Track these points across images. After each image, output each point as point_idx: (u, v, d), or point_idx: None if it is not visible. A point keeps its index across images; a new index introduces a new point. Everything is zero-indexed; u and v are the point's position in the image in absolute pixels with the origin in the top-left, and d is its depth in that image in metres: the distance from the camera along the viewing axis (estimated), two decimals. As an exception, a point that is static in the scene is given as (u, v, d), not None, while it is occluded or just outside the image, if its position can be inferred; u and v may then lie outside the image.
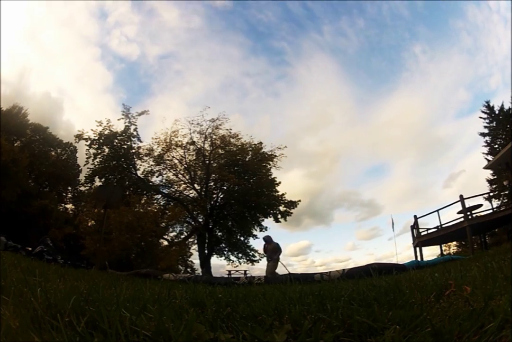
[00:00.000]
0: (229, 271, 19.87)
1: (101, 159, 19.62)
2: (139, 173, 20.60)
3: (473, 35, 39.86)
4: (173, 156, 20.98)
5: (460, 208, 13.07)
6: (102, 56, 45.43)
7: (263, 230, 21.55)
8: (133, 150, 20.03)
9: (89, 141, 19.23)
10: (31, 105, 40.47)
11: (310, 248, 47.21)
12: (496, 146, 25.17)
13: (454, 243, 24.18)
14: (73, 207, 30.45)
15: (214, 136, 21.09)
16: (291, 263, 38.20)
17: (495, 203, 19.52)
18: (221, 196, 21.42)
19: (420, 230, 15.05)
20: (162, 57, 46.71)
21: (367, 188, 49.74)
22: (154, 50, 45.25)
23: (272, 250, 8.67)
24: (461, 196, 13.02)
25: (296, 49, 44.02)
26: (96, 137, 19.22)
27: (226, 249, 21.81)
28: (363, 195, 45.76)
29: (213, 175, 20.61)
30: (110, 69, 47.33)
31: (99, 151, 19.48)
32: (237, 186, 19.61)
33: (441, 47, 41.09)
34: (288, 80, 43.77)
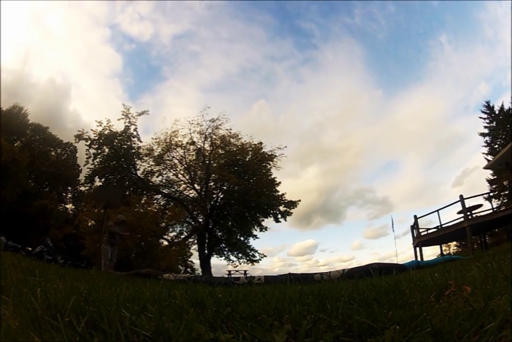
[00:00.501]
0: (229, 271, 19.88)
1: (101, 159, 19.63)
2: (139, 173, 20.61)
3: (493, 27, 38.25)
4: (173, 156, 21.01)
5: (460, 208, 13.07)
6: (111, 37, 41.13)
7: (263, 230, 21.58)
8: (133, 150, 20.03)
9: (89, 141, 19.24)
10: (35, 93, 38.69)
11: (316, 247, 46.29)
12: (496, 146, 25.17)
13: (454, 243, 24.19)
14: (73, 207, 30.48)
15: (214, 136, 21.12)
16: (294, 263, 37.95)
17: (495, 203, 19.55)
18: (221, 196, 21.44)
19: (420, 230, 15.04)
20: (177, 37, 42.60)
21: (383, 184, 47.77)
22: (168, 29, 41.17)
23: None
24: (461, 196, 13.02)
25: (324, 32, 40.55)
26: (96, 137, 19.22)
27: (226, 249, 21.82)
28: (377, 192, 44.28)
29: (213, 175, 20.62)
30: (119, 51, 43.14)
31: (99, 151, 19.48)
32: (237, 186, 19.61)
33: (465, 37, 39.76)
34: (313, 65, 40.79)
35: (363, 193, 42.63)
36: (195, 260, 23.20)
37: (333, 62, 40.39)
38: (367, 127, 43.00)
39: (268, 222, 21.70)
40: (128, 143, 19.78)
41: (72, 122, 39.42)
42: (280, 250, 52.33)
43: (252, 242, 21.79)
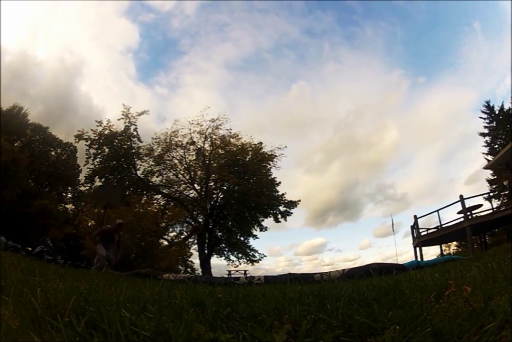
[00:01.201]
0: (229, 271, 19.88)
1: (101, 159, 19.64)
2: (139, 173, 20.62)
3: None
4: (173, 156, 21.01)
5: (460, 208, 13.08)
6: (127, 6, 36.86)
7: (263, 230, 21.58)
8: (133, 150, 20.03)
9: (89, 141, 19.25)
10: (43, 75, 36.95)
11: (325, 246, 44.91)
12: (496, 146, 25.17)
13: (454, 243, 24.17)
14: (73, 207, 30.47)
15: (214, 136, 21.12)
16: (299, 262, 37.47)
17: (495, 203, 19.55)
18: (221, 196, 21.44)
19: (420, 230, 15.05)
20: (203, 5, 37.46)
21: (404, 180, 45.74)
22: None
23: None
24: (461, 196, 13.03)
25: (367, 8, 36.95)
26: (96, 137, 19.22)
27: (226, 249, 21.82)
28: (398, 188, 42.96)
29: (213, 175, 20.62)
30: (135, 22, 38.61)
31: (99, 151, 19.49)
32: (237, 186, 19.61)
33: (495, 26, 38.51)
34: (353, 44, 37.81)
35: (384, 188, 41.09)
36: (195, 260, 23.22)
37: (373, 41, 37.25)
38: (398, 116, 40.82)
39: (268, 222, 21.71)
40: (128, 143, 19.78)
41: (84, 108, 37.21)
42: (289, 249, 51.56)
43: (252, 242, 21.83)
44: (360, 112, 39.51)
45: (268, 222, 21.67)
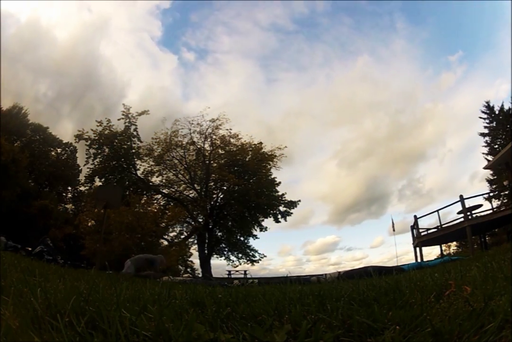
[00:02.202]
0: (229, 271, 19.89)
1: (101, 159, 19.64)
2: (139, 173, 20.63)
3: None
4: (173, 156, 21.00)
5: (460, 208, 13.08)
6: None
7: (263, 230, 21.58)
8: (133, 150, 20.04)
9: (89, 141, 19.25)
10: (60, 37, 35.71)
11: (337, 245, 42.97)
12: (496, 146, 25.17)
13: (454, 243, 24.18)
14: (73, 207, 30.45)
15: (214, 137, 21.13)
16: (306, 262, 36.37)
17: (495, 203, 19.54)
18: (221, 196, 21.45)
19: (420, 230, 15.05)
20: None
21: (432, 174, 42.69)
22: None
23: None
24: (461, 196, 13.03)
25: None
26: (96, 137, 19.23)
27: (226, 249, 21.82)
28: (426, 183, 40.42)
29: (213, 175, 20.62)
30: None
31: (99, 151, 19.49)
32: (237, 186, 19.61)
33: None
34: (416, 19, 34.71)
35: (412, 183, 39.25)
36: (195, 260, 23.22)
37: (439, 18, 34.26)
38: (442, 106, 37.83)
39: (268, 222, 21.67)
40: (128, 143, 19.79)
41: (106, 78, 35.63)
42: (302, 247, 50.56)
43: (252, 242, 21.83)
44: (413, 95, 36.81)
45: (268, 222, 21.67)
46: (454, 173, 43.39)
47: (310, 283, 4.54)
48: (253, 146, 21.20)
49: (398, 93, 39.10)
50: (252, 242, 21.80)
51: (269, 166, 21.00)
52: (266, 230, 21.61)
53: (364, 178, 38.75)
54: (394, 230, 17.03)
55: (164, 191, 21.42)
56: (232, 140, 21.26)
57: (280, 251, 40.93)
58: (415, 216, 15.22)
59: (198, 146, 21.22)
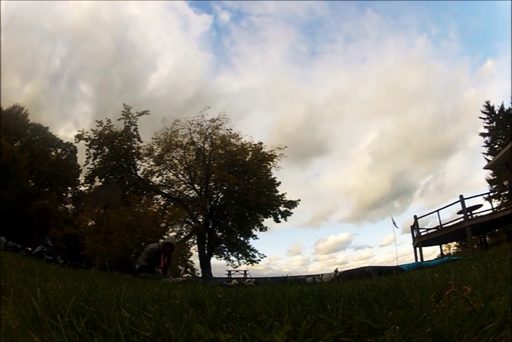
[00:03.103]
0: (229, 271, 19.88)
1: (101, 159, 19.65)
2: (139, 173, 20.64)
3: None
4: (173, 157, 21.02)
5: (460, 208, 13.08)
6: None
7: (263, 230, 21.59)
8: (133, 151, 20.05)
9: (89, 142, 19.26)
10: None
11: (349, 243, 43.20)
12: (496, 146, 25.17)
13: (454, 243, 24.18)
14: (73, 207, 30.45)
15: (214, 137, 21.12)
16: (312, 262, 35.95)
17: (495, 203, 19.54)
18: (221, 196, 21.45)
19: (420, 230, 15.05)
20: None
21: (460, 169, 41.73)
22: None
23: None
24: (461, 196, 13.03)
25: None
26: (96, 138, 19.23)
27: (226, 249, 21.83)
28: (451, 179, 39.42)
29: (213, 175, 20.63)
30: None
31: (99, 151, 19.50)
32: (237, 186, 19.62)
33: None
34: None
35: (437, 178, 38.39)
36: (195, 260, 23.23)
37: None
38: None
39: (268, 222, 21.65)
40: (128, 143, 19.79)
41: (141, 56, 34.59)
42: (315, 245, 49.77)
43: (252, 242, 21.83)
44: (457, 84, 35.73)
45: (268, 222, 21.65)
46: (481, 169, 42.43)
47: (305, 283, 4.54)
48: (253, 146, 21.22)
49: (443, 80, 37.23)
50: (252, 242, 21.82)
51: (269, 167, 21.02)
52: (266, 230, 21.64)
53: (394, 172, 37.93)
54: (397, 227, 16.95)
55: (164, 191, 21.44)
56: (232, 140, 21.30)
57: (290, 250, 40.71)
58: (415, 216, 15.23)
59: (198, 146, 21.23)
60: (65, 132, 37.57)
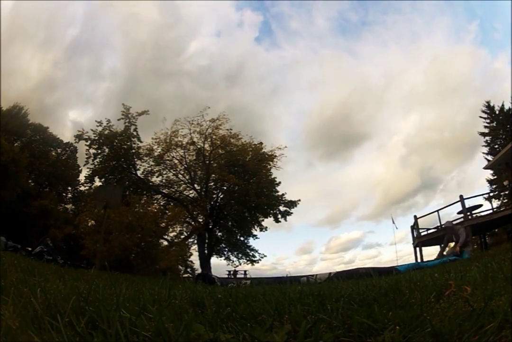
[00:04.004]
0: (229, 271, 19.89)
1: (101, 159, 19.64)
2: (139, 173, 20.62)
3: None
4: (173, 157, 21.00)
5: (460, 208, 13.09)
6: None
7: (263, 230, 21.58)
8: (133, 151, 20.04)
9: (89, 142, 19.26)
10: None
11: (362, 241, 41.45)
12: (496, 146, 25.16)
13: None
14: (73, 207, 30.44)
15: (214, 137, 21.09)
16: (318, 261, 35.00)
17: (495, 203, 19.53)
18: (221, 196, 21.44)
19: (420, 230, 15.05)
20: None
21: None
22: None
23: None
24: (461, 196, 13.04)
25: None
26: (96, 138, 19.23)
27: (226, 249, 21.82)
28: (469, 173, 38.08)
29: (213, 175, 20.62)
30: None
31: (99, 151, 19.49)
32: (237, 186, 19.61)
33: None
34: None
35: (461, 173, 37.08)
36: (195, 260, 23.22)
37: None
38: None
39: (268, 222, 21.63)
40: (128, 143, 19.78)
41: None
42: (327, 243, 48.94)
43: (252, 242, 21.82)
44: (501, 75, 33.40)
45: (268, 222, 21.63)
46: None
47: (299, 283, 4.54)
48: (253, 146, 21.20)
49: (487, 72, 35.71)
50: (252, 242, 21.79)
51: (269, 167, 21.00)
52: (266, 230, 21.63)
53: (423, 166, 36.72)
54: (397, 228, 16.95)
55: (164, 191, 21.42)
56: (232, 140, 21.25)
57: (300, 248, 40.27)
58: (415, 216, 15.24)
59: (198, 146, 21.22)
60: (82, 112, 35.93)
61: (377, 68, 41.67)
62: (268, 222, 21.69)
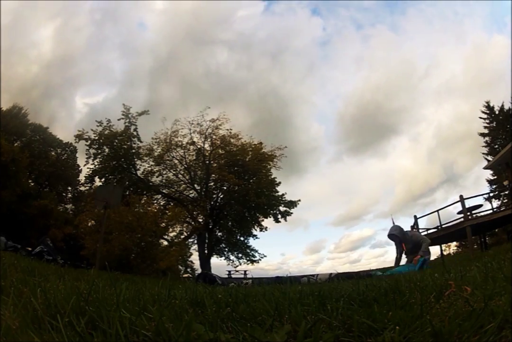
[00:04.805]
0: (229, 271, 19.90)
1: (101, 159, 19.65)
2: (139, 173, 20.62)
3: None
4: (173, 157, 21.01)
5: (460, 208, 13.09)
6: None
7: (263, 230, 21.58)
8: (133, 150, 20.04)
9: (89, 141, 19.26)
10: None
11: (373, 239, 39.82)
12: (496, 146, 25.17)
13: (454, 243, 24.18)
14: (73, 207, 30.44)
15: (214, 137, 21.11)
16: (324, 261, 35.30)
17: (495, 203, 19.53)
18: (221, 196, 21.44)
19: (420, 230, 15.04)
20: None
21: None
22: None
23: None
24: (461, 196, 13.03)
25: None
26: (96, 137, 19.23)
27: (226, 249, 21.82)
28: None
29: (213, 175, 20.62)
30: None
31: (99, 151, 19.50)
32: (237, 186, 19.61)
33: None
34: None
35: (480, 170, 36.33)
36: (195, 260, 23.22)
37: None
38: None
39: (268, 222, 21.60)
40: (128, 143, 19.79)
41: None
42: (339, 241, 47.88)
43: (252, 242, 21.82)
44: None
45: (268, 222, 21.62)
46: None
47: (300, 283, 4.55)
48: (253, 146, 21.20)
49: None
50: (252, 242, 21.79)
51: (269, 167, 21.00)
52: (266, 230, 21.63)
53: (448, 162, 36.31)
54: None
55: (164, 191, 21.43)
56: (232, 140, 21.25)
57: (310, 247, 39.92)
58: (415, 216, 15.24)
59: (198, 146, 21.24)
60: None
61: (419, 48, 40.71)
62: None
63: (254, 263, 21.10)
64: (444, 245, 19.07)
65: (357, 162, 37.60)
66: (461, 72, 37.01)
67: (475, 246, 16.25)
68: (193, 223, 20.64)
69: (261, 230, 21.57)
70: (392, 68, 37.35)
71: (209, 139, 21.10)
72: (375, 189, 39.37)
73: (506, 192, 19.16)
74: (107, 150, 19.49)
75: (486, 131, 26.44)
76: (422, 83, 37.07)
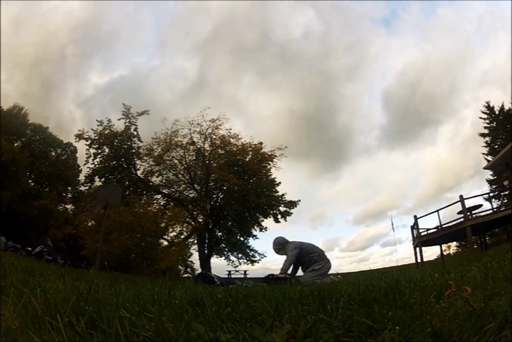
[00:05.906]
0: (229, 271, 19.90)
1: (101, 159, 19.66)
2: (139, 173, 20.63)
3: None
4: (173, 157, 21.00)
5: (460, 208, 13.08)
6: None
7: (263, 230, 21.59)
8: (133, 150, 20.04)
9: (89, 141, 19.26)
10: None
11: (386, 236, 41.64)
12: (496, 146, 25.17)
13: (454, 243, 24.18)
14: (73, 207, 30.43)
15: (214, 137, 21.10)
16: (332, 258, 34.98)
17: (495, 203, 19.54)
18: (221, 196, 21.44)
19: (420, 230, 15.05)
20: None
21: None
22: None
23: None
24: (461, 196, 13.03)
25: None
26: (96, 137, 19.24)
27: (226, 249, 21.82)
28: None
29: (213, 175, 20.61)
30: None
31: (99, 151, 19.50)
32: (237, 186, 19.61)
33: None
34: None
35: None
36: (195, 260, 23.22)
37: None
38: None
39: (268, 222, 21.60)
40: (128, 143, 19.79)
41: None
42: (352, 239, 46.55)
43: (252, 242, 21.83)
44: None
45: (268, 222, 21.62)
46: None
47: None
48: (253, 146, 21.19)
49: None
50: (252, 242, 21.78)
51: (269, 167, 21.01)
52: (266, 230, 21.64)
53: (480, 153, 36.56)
54: (394, 230, 17.00)
55: (164, 191, 21.43)
56: (232, 140, 21.26)
57: (323, 246, 39.48)
58: (415, 216, 15.23)
59: (198, 146, 21.23)
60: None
61: (458, 33, 40.48)
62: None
63: (254, 263, 21.13)
64: (444, 245, 19.08)
65: (388, 152, 36.69)
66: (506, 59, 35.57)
67: (475, 246, 16.26)
68: (193, 223, 20.63)
69: (261, 230, 21.61)
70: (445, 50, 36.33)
71: (209, 139, 21.12)
72: (404, 184, 39.15)
73: (506, 192, 19.16)
74: (107, 150, 19.50)
75: (486, 131, 26.45)
76: (467, 69, 36.03)
